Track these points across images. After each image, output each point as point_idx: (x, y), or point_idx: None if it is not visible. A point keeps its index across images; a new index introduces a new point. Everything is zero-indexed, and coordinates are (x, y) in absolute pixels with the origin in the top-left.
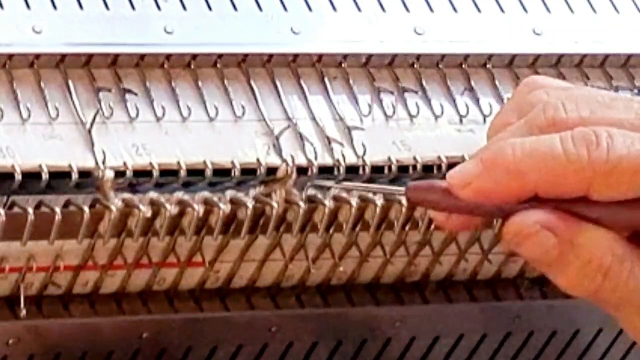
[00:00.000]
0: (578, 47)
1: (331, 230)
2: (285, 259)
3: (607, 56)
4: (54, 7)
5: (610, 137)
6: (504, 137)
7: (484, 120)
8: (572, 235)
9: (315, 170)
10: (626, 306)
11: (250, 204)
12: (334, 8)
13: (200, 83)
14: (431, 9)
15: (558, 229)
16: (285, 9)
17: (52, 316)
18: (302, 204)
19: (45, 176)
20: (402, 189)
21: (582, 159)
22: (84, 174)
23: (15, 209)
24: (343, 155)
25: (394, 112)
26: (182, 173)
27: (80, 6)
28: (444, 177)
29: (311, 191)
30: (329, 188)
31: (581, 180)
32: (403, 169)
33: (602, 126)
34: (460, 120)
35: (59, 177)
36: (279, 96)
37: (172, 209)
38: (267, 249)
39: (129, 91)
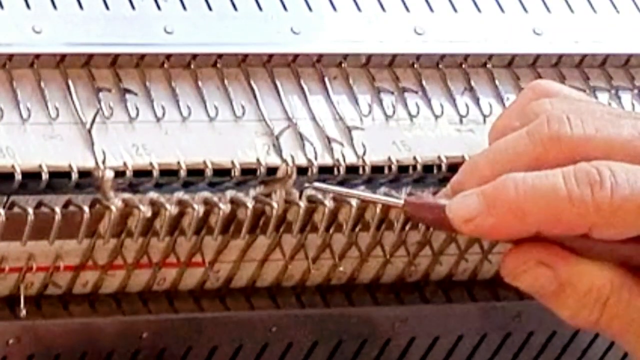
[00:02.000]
0: (578, 47)
1: (331, 230)
2: (285, 259)
3: (607, 56)
4: (54, 7)
5: (613, 175)
6: (503, 145)
7: (484, 121)
8: (569, 269)
9: (315, 170)
10: (628, 334)
11: (250, 204)
12: (334, 8)
13: (200, 83)
14: (431, 9)
15: (555, 263)
16: (285, 9)
17: (52, 316)
18: (302, 204)
19: (45, 176)
20: (400, 201)
21: (585, 200)
22: (84, 174)
23: (15, 209)
24: (343, 155)
25: (394, 112)
26: (182, 173)
27: (80, 6)
28: (443, 179)
29: (311, 191)
30: (327, 193)
31: (584, 221)
32: (403, 169)
33: (606, 149)
34: (460, 120)
35: (59, 177)
36: (279, 96)
37: (172, 209)
38: (267, 249)
39: (129, 91)
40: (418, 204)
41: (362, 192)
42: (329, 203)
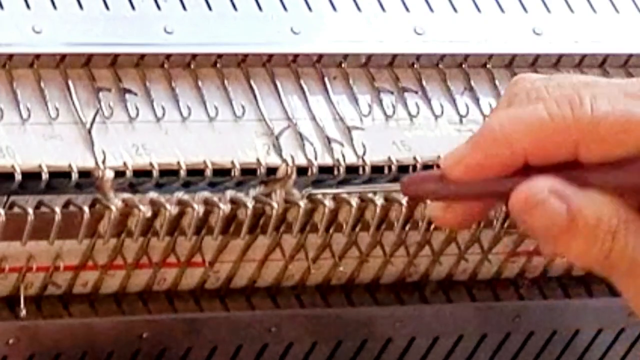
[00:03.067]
0: (578, 47)
1: (331, 230)
2: (285, 259)
3: (607, 56)
4: (54, 7)
5: (593, 97)
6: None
7: (484, 120)
8: (580, 197)
9: (315, 170)
10: (635, 274)
11: (250, 204)
12: (334, 8)
13: (200, 83)
14: (431, 9)
15: (567, 192)
16: (285, 9)
17: (52, 316)
18: (302, 204)
19: (45, 176)
20: (398, 185)
21: (566, 118)
22: (84, 174)
23: (15, 209)
24: (343, 155)
25: (394, 112)
26: (182, 173)
27: (80, 6)
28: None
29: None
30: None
31: (568, 141)
32: (403, 169)
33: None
34: (460, 120)
35: (59, 177)
36: (279, 96)
37: (172, 209)
38: (267, 249)
39: (129, 91)
40: (415, 179)
41: (359, 187)
42: (329, 203)
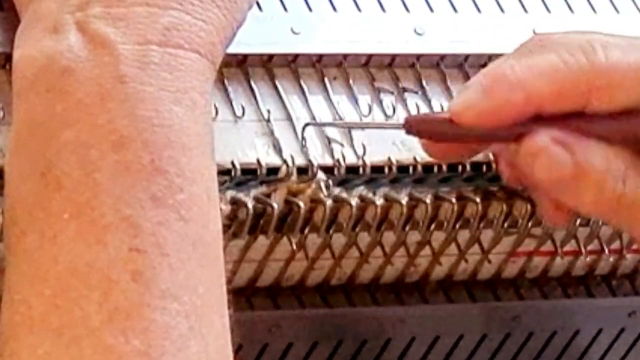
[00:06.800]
0: None
1: (331, 231)
2: (286, 258)
3: None
4: None
5: (605, 46)
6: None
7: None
8: (584, 148)
9: (315, 170)
10: None
11: (250, 204)
12: (334, 8)
13: None
14: (431, 9)
15: (570, 142)
16: (285, 9)
17: None
18: (302, 204)
19: None
20: (400, 123)
21: (581, 64)
22: None
23: None
24: (343, 156)
25: (394, 113)
26: None
27: None
28: (443, 179)
29: (312, 191)
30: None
31: (581, 87)
32: (403, 169)
33: None
34: None
35: None
36: (279, 96)
37: None
38: (267, 249)
39: None
40: (421, 119)
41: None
42: (329, 203)
